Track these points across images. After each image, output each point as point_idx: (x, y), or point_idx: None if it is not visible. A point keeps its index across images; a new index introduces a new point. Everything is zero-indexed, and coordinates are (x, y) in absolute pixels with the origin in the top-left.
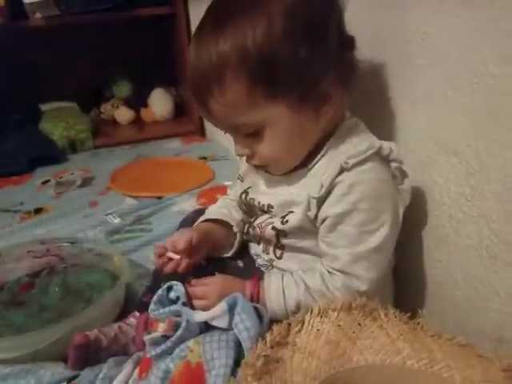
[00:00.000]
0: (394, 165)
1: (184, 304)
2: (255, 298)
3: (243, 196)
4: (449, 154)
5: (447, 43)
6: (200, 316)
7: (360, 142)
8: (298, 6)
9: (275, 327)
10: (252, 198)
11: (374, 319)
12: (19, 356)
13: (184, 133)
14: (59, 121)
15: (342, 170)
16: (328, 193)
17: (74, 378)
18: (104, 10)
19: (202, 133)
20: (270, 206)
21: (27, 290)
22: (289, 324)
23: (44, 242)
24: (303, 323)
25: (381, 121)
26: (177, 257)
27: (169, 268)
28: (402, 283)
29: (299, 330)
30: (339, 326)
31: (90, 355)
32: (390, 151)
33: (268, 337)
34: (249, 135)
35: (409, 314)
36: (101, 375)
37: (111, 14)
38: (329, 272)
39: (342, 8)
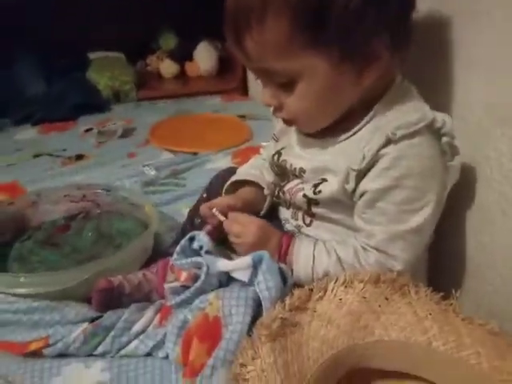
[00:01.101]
0: (444, 139)
1: (207, 252)
2: (283, 253)
3: (275, 157)
4: (505, 125)
5: None
6: (223, 264)
7: (411, 112)
8: None
9: (296, 291)
10: (284, 160)
11: (403, 295)
12: (48, 292)
13: (226, 89)
14: (105, 70)
15: (388, 142)
16: (370, 166)
17: (97, 318)
18: None
19: (244, 91)
20: (301, 170)
21: (62, 232)
22: (310, 290)
23: (81, 188)
24: (326, 291)
25: (431, 83)
26: (222, 218)
27: (214, 220)
28: (438, 262)
29: (321, 297)
30: (364, 297)
31: (112, 299)
32: (443, 124)
33: (287, 300)
34: (280, 85)
35: (441, 294)
36: (122, 318)
37: None
38: (363, 248)
39: None
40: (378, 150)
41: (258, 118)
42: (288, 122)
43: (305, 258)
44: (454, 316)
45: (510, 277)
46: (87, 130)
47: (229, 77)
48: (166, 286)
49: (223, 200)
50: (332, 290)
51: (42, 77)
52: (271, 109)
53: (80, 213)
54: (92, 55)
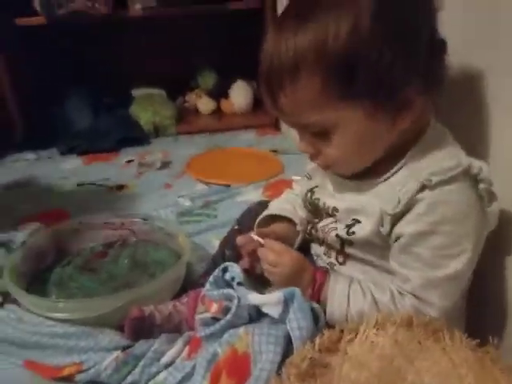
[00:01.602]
0: (482, 186)
1: (239, 284)
2: (317, 290)
3: (309, 195)
4: None
5: None
6: (254, 298)
7: (446, 158)
8: (390, 5)
9: (326, 332)
10: (317, 198)
11: (437, 340)
12: (84, 318)
13: (259, 125)
14: (147, 106)
15: (423, 187)
16: (406, 210)
17: (128, 347)
18: (197, 2)
19: (276, 126)
20: (334, 209)
21: (100, 258)
22: (341, 331)
23: (120, 216)
24: (357, 332)
25: (468, 131)
26: (261, 241)
27: (251, 246)
28: (476, 306)
29: (352, 339)
30: (396, 341)
31: (144, 329)
32: (480, 171)
33: (317, 340)
34: (316, 134)
35: (477, 341)
36: (152, 348)
37: (203, 6)
38: (399, 292)
39: (436, 9)
40: (414, 195)
41: (289, 152)
42: (324, 168)
43: (339, 296)
44: (492, 365)
45: None
46: (128, 161)
47: (262, 113)
48: (197, 317)
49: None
50: (363, 332)
51: (90, 112)
52: (297, 147)
53: (117, 240)
54: (135, 92)
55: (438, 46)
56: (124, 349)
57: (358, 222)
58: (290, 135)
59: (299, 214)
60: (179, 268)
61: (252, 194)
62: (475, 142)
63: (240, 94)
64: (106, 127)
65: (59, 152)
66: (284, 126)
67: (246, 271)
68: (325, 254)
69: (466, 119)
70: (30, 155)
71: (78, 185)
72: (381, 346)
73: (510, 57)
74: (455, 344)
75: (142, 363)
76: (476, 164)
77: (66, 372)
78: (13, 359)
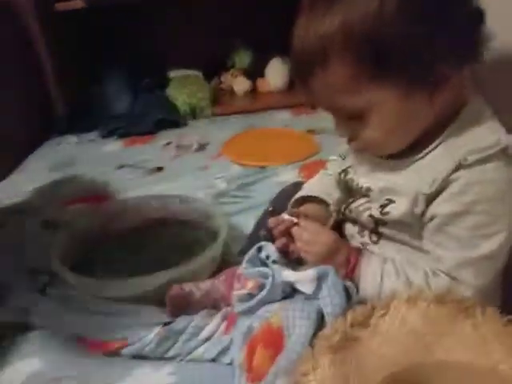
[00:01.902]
0: None
1: (274, 262)
2: (350, 269)
3: (342, 175)
4: None
5: None
6: (288, 275)
7: (484, 135)
8: None
9: (358, 308)
10: (351, 178)
11: (468, 316)
12: (128, 296)
13: (296, 104)
14: (183, 88)
15: (459, 167)
16: (440, 190)
17: (170, 323)
18: None
19: (313, 105)
20: (368, 189)
21: (142, 238)
22: (373, 307)
23: (160, 198)
24: (389, 308)
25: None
26: (293, 219)
27: (283, 226)
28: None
29: (383, 315)
30: (427, 317)
31: (184, 305)
32: None
33: (349, 315)
34: (351, 117)
35: (510, 317)
36: (192, 324)
37: None
38: (433, 272)
39: None
40: (449, 175)
41: (326, 131)
42: (363, 151)
43: (373, 276)
44: None
45: None
46: (166, 144)
47: (299, 92)
48: (234, 293)
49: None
50: (395, 308)
51: (128, 95)
52: (335, 131)
53: (158, 221)
54: (171, 73)
55: (475, 16)
56: (165, 324)
57: (392, 201)
58: (326, 115)
59: (333, 194)
60: (216, 247)
61: (288, 175)
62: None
63: (276, 73)
64: (144, 109)
65: (100, 135)
66: None
67: (280, 251)
68: (358, 233)
69: (501, 93)
70: (72, 138)
71: (119, 167)
72: (411, 321)
73: None
74: (486, 319)
75: (182, 338)
76: None
77: (113, 346)
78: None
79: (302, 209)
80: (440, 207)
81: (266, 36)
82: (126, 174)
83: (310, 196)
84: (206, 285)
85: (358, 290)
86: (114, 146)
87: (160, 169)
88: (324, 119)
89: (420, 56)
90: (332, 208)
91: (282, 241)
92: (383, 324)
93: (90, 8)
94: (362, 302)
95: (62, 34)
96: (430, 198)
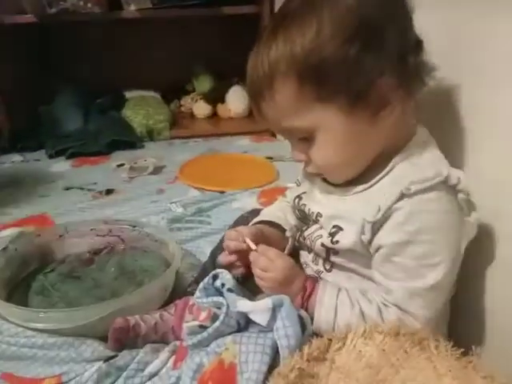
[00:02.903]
0: (460, 196)
1: (229, 290)
2: (306, 298)
3: (296, 200)
4: None
5: None
6: (242, 305)
7: (427, 167)
8: (352, 8)
9: (315, 341)
10: (304, 204)
11: (422, 349)
12: (66, 328)
13: (255, 131)
14: (140, 109)
15: (402, 196)
16: (385, 219)
17: (112, 357)
18: (192, 5)
19: (272, 132)
20: (318, 215)
21: (86, 265)
22: (329, 340)
23: (108, 222)
24: (345, 341)
25: (450, 139)
26: (254, 247)
27: (238, 245)
28: (459, 315)
29: (340, 348)
30: (383, 350)
31: (128, 339)
32: (458, 181)
33: (305, 349)
34: (303, 140)
35: (462, 350)
36: (136, 359)
37: (198, 9)
38: (384, 304)
39: (408, 9)
40: (393, 204)
41: (284, 159)
42: (316, 175)
43: (327, 307)
44: (475, 374)
45: None
46: (119, 165)
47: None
48: (184, 325)
49: (250, 228)
50: (351, 341)
51: (80, 113)
52: (292, 156)
53: (105, 247)
54: (128, 94)
55: (413, 45)
56: (107, 360)
57: (340, 229)
58: (286, 142)
59: (289, 221)
60: (167, 276)
61: (247, 201)
62: (453, 152)
63: (237, 99)
64: (97, 129)
65: (47, 155)
66: None
67: (223, 266)
68: (312, 261)
69: (444, 129)
70: (16, 157)
71: (66, 189)
72: (368, 355)
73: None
74: (440, 353)
75: (124, 374)
76: (454, 174)
77: None
78: None
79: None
80: (386, 237)
81: (227, 63)
82: (72, 196)
83: (268, 221)
84: (154, 317)
85: (312, 320)
86: (61, 166)
87: (110, 191)
88: (283, 147)
89: (356, 78)
90: (288, 233)
91: (228, 257)
92: (340, 358)
93: (42, 23)
94: (317, 333)
95: (10, 50)
96: (376, 227)
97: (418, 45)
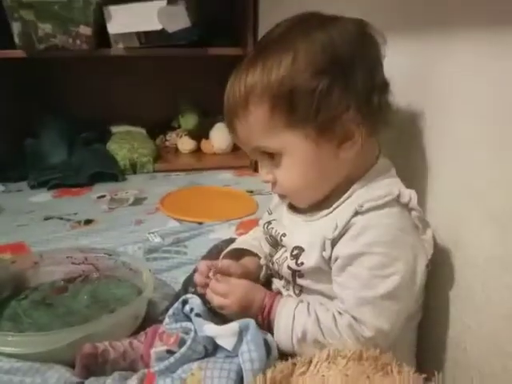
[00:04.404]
0: (414, 214)
1: (197, 315)
2: (266, 314)
3: (265, 226)
4: (483, 213)
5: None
6: (209, 329)
7: (380, 187)
8: (326, 46)
9: (278, 365)
10: (272, 228)
11: (385, 374)
12: (32, 353)
13: (238, 166)
14: (125, 142)
15: (356, 213)
16: (342, 234)
17: None
18: (178, 45)
19: (255, 168)
20: (283, 235)
21: (59, 293)
22: (294, 364)
23: (83, 251)
24: (309, 366)
25: (411, 169)
26: (210, 275)
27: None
28: (425, 342)
29: (303, 373)
30: (346, 375)
31: (96, 366)
32: (410, 199)
33: (269, 373)
34: (271, 161)
35: (424, 376)
36: None
37: (183, 49)
38: (339, 312)
39: (379, 52)
40: (349, 220)
41: (264, 193)
42: (282, 197)
43: (285, 317)
44: None
45: (498, 369)
46: (100, 197)
47: (241, 154)
48: (152, 351)
49: (225, 263)
50: (315, 366)
51: (65, 147)
52: (260, 176)
53: (79, 276)
54: (114, 129)
55: (380, 85)
56: None
57: (302, 250)
58: None
59: (263, 248)
60: (138, 304)
61: (225, 232)
62: (414, 178)
63: (220, 136)
64: (80, 161)
65: (29, 185)
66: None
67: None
68: (283, 287)
69: (404, 157)
70: None
71: (45, 219)
72: (331, 380)
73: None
74: (403, 378)
75: None
76: (406, 192)
77: None
78: None
79: (240, 261)
80: (342, 249)
81: (212, 100)
82: (51, 226)
83: (242, 250)
84: (123, 344)
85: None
86: (42, 196)
87: (89, 222)
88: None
89: (323, 109)
90: (263, 261)
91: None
92: (304, 383)
93: (30, 58)
94: (283, 356)
95: None
96: (334, 242)
97: (384, 86)
